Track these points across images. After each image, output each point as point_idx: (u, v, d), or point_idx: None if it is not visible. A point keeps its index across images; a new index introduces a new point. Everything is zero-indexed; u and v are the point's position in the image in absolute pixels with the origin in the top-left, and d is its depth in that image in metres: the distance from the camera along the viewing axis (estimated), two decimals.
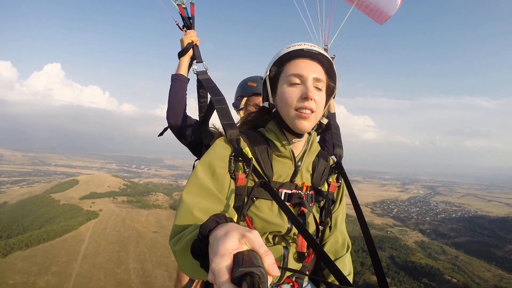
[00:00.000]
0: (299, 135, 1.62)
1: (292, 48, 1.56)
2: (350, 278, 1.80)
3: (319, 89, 1.57)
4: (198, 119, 2.69)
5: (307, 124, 1.55)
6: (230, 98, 3.27)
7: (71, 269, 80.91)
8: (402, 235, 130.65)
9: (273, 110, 1.64)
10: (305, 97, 1.51)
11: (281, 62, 1.61)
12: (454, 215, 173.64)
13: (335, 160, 1.95)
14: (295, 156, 1.66)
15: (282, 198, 1.61)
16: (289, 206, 1.62)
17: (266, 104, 1.69)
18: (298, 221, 1.21)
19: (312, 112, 1.53)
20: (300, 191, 1.65)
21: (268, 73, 1.64)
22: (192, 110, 2.68)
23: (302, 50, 1.56)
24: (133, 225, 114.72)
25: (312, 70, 1.55)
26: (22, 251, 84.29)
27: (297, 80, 1.53)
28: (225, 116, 1.69)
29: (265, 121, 1.75)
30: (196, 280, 2.26)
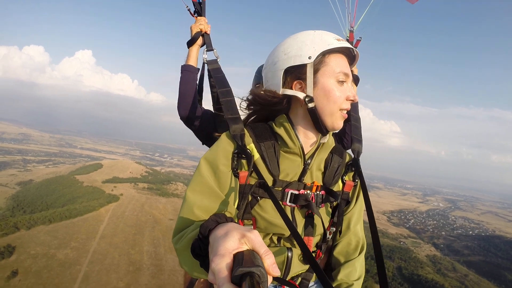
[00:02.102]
0: (327, 133, 1.57)
1: (343, 44, 1.47)
2: (360, 282, 1.75)
3: None
4: (212, 109, 2.63)
5: (342, 124, 1.53)
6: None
7: (89, 246, 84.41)
8: (415, 247, 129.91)
9: (310, 106, 1.47)
10: (351, 99, 1.49)
11: (323, 52, 1.46)
12: (471, 232, 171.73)
13: (353, 156, 1.82)
14: (305, 153, 1.56)
15: (288, 198, 1.53)
16: (296, 208, 1.56)
17: (301, 96, 1.48)
18: (293, 227, 1.14)
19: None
20: (309, 191, 1.55)
21: (311, 60, 1.45)
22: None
23: (348, 48, 1.51)
24: (151, 211, 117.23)
25: (350, 71, 1.53)
26: (45, 226, 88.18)
27: (344, 79, 1.48)
28: (229, 109, 1.60)
29: (275, 112, 1.60)
30: None
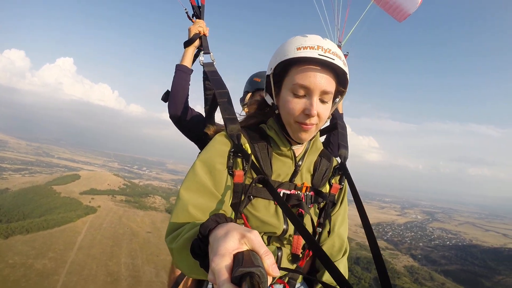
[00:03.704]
0: (296, 143, 1.58)
1: (303, 53, 1.36)
2: None
3: (325, 102, 1.45)
4: (203, 111, 2.65)
5: (307, 136, 1.50)
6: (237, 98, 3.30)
7: (67, 257, 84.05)
8: (392, 259, 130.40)
9: (276, 112, 1.55)
10: (307, 114, 1.41)
11: (289, 62, 1.43)
12: (448, 242, 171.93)
13: (339, 161, 1.84)
14: (296, 155, 1.60)
15: None
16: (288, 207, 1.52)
17: (269, 101, 1.59)
18: (298, 220, 1.16)
19: (314, 124, 1.47)
20: (299, 192, 1.60)
21: (272, 71, 1.48)
22: (195, 101, 2.58)
23: (314, 58, 1.37)
24: (129, 224, 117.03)
25: (320, 84, 1.39)
26: (22, 235, 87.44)
27: (302, 92, 1.41)
28: (226, 110, 1.63)
29: (266, 115, 1.68)
30: None
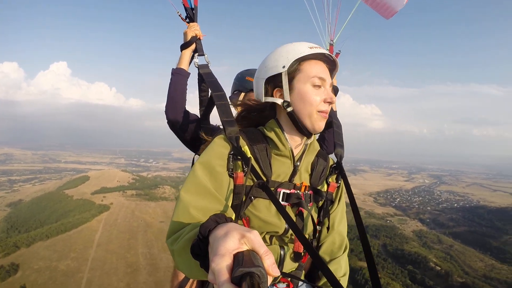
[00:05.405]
0: (310, 135, 1.64)
1: (316, 50, 1.56)
2: (345, 279, 1.81)
3: None
4: (198, 113, 2.61)
5: (324, 124, 1.60)
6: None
7: (88, 255, 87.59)
8: (401, 224, 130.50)
9: (289, 109, 1.58)
10: (329, 102, 1.56)
11: (297, 60, 1.56)
12: (456, 204, 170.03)
13: (336, 160, 1.90)
14: (294, 155, 1.63)
15: (281, 197, 1.60)
16: (288, 206, 1.62)
17: (279, 102, 1.60)
18: (294, 224, 1.18)
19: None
20: (298, 191, 1.63)
21: (286, 69, 1.56)
22: (191, 105, 2.54)
23: (324, 54, 1.59)
24: (142, 216, 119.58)
25: (329, 76, 1.60)
26: (43, 242, 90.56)
27: (320, 83, 1.55)
28: (225, 113, 1.64)
29: (264, 118, 1.71)
30: None
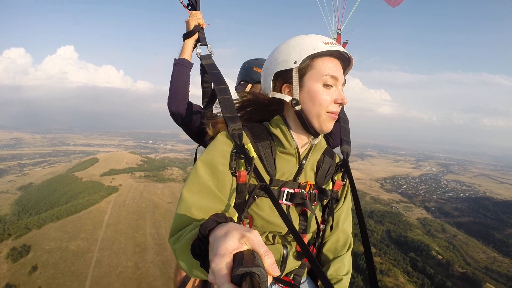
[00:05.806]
0: (317, 135, 1.58)
1: (331, 47, 1.45)
2: (348, 277, 1.79)
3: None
4: (201, 104, 2.54)
5: (332, 126, 1.52)
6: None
7: (97, 235, 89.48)
8: (406, 211, 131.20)
9: (297, 108, 1.50)
10: (340, 103, 1.48)
11: (314, 56, 1.47)
12: (462, 194, 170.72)
13: (342, 157, 1.84)
14: (300, 154, 1.58)
15: (285, 197, 1.56)
16: (292, 206, 1.59)
17: (287, 99, 1.52)
18: (294, 228, 1.14)
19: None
20: (303, 190, 1.59)
21: (297, 65, 1.46)
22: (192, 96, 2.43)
23: (339, 51, 1.49)
24: (150, 197, 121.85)
25: (342, 75, 1.51)
26: (53, 223, 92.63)
27: (332, 82, 1.46)
28: (227, 108, 1.55)
29: (270, 113, 1.62)
30: None
